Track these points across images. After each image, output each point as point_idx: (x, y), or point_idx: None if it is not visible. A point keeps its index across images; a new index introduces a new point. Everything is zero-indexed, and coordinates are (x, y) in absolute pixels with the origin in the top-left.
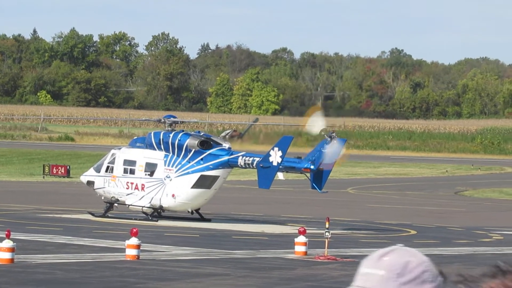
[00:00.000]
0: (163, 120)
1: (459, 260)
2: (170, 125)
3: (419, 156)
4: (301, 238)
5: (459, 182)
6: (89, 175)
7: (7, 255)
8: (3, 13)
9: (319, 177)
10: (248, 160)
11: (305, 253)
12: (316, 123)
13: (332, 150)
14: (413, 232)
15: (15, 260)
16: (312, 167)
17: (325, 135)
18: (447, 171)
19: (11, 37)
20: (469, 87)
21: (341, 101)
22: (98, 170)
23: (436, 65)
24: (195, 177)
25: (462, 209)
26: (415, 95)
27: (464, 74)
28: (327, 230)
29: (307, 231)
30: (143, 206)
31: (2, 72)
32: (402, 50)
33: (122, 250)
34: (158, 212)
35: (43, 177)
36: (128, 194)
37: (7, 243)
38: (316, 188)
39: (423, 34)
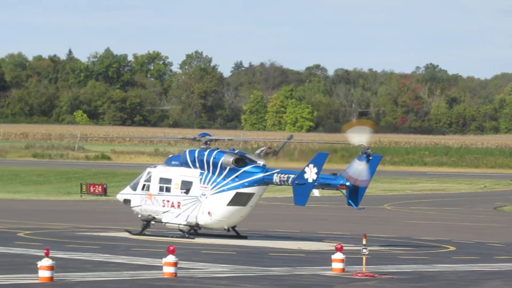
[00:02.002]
0: (198, 138)
1: (499, 276)
2: (205, 143)
3: (457, 171)
4: (338, 255)
5: (498, 198)
6: (125, 193)
7: (47, 274)
8: (39, 34)
9: (355, 194)
10: (283, 177)
11: (343, 270)
12: (359, 135)
13: (360, 168)
14: (452, 248)
15: (54, 278)
16: (347, 183)
17: (360, 152)
18: (485, 186)
19: (47, 57)
20: (506, 101)
21: (376, 117)
22: (134, 188)
23: (472, 79)
24: (230, 194)
25: (501, 224)
26: (451, 110)
27: (501, 88)
28: (364, 247)
29: (344, 248)
30: (179, 224)
31: (39, 92)
32: (437, 65)
33: (160, 268)
34: (194, 230)
35: (81, 195)
36: (165, 212)
37: (46, 262)
38: (352, 205)
39: (458, 49)
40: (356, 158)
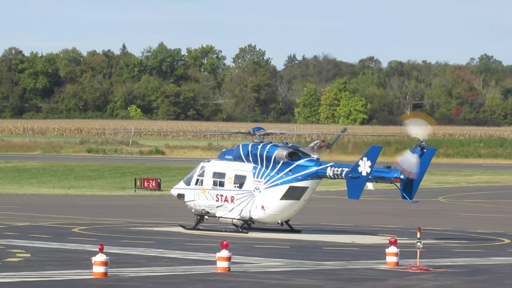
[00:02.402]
0: (252, 132)
1: None
2: (259, 137)
3: None
4: (393, 249)
5: None
6: (179, 188)
7: (101, 269)
8: (93, 29)
9: (409, 187)
10: (337, 171)
11: (397, 264)
12: (416, 127)
13: (414, 161)
14: (507, 241)
15: (108, 274)
16: (402, 176)
17: (415, 144)
18: None
19: (101, 52)
20: None
21: (430, 109)
22: (188, 183)
23: None
24: (284, 188)
25: None
26: (506, 101)
27: None
28: (418, 240)
29: (398, 241)
30: (233, 218)
31: (93, 87)
32: (492, 56)
33: (213, 263)
34: (248, 224)
35: (135, 190)
36: (218, 207)
37: (101, 257)
38: (406, 198)
39: None
40: (409, 150)
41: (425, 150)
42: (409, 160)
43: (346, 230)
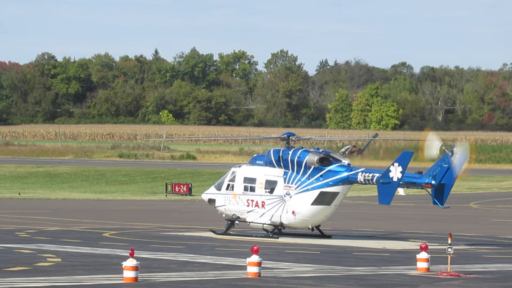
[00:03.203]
0: (286, 137)
1: None
2: (289, 142)
3: None
4: (423, 254)
5: None
6: (210, 193)
7: (131, 274)
8: (126, 35)
9: (440, 192)
10: (368, 176)
11: (428, 270)
12: (432, 145)
13: (457, 163)
14: None
15: (139, 278)
16: (433, 182)
17: (446, 150)
18: None
19: (134, 58)
20: None
21: (462, 114)
22: (219, 188)
23: None
24: (315, 193)
25: None
26: None
27: None
28: (449, 246)
29: (429, 247)
30: (263, 223)
31: (125, 92)
32: None
33: (244, 268)
34: (278, 229)
35: (166, 195)
36: (249, 212)
37: (131, 262)
38: (437, 203)
39: None
40: (442, 156)
41: (457, 155)
42: (440, 165)
43: (377, 236)
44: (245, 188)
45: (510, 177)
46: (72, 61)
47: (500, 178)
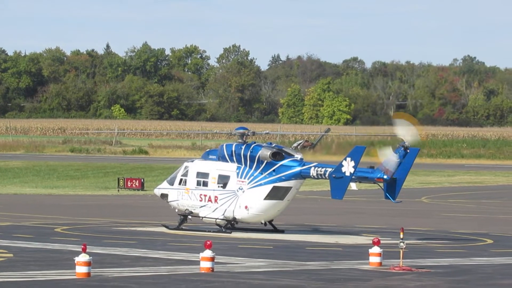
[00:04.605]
0: (242, 132)
1: None
2: (242, 136)
3: (494, 164)
4: (376, 249)
5: None
6: (162, 188)
7: (84, 269)
8: (77, 29)
9: (392, 187)
10: (321, 171)
11: (380, 264)
12: (404, 129)
13: (393, 160)
14: (489, 241)
15: (91, 274)
16: (385, 176)
17: (398, 144)
18: None
19: (85, 52)
20: None
21: (414, 109)
22: (171, 183)
23: (510, 71)
24: (267, 188)
25: None
26: (489, 102)
27: None
28: (401, 240)
29: (382, 242)
30: (216, 218)
31: (77, 87)
32: (475, 57)
33: (197, 263)
34: (231, 224)
35: (118, 190)
36: (202, 207)
37: (83, 257)
38: (389, 198)
39: (495, 40)
40: (394, 151)
41: (408, 151)
42: (392, 160)
43: (330, 230)
44: (198, 183)
45: (461, 171)
46: (22, 55)
47: (451, 172)
